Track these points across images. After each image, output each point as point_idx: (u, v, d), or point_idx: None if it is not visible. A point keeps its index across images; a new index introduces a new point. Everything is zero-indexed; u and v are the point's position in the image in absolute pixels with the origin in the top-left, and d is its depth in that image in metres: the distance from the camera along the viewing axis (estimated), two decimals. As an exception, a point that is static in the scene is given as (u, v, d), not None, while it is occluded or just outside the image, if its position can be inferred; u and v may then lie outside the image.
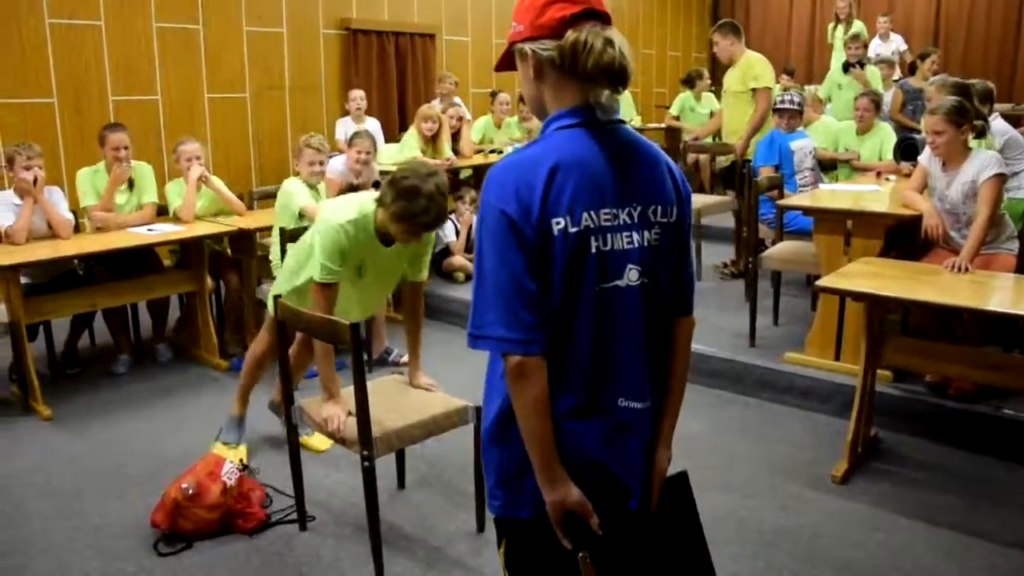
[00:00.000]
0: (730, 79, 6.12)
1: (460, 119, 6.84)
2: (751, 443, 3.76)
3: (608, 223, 1.48)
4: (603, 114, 1.52)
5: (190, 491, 2.92)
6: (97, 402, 4.22)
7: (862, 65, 6.98)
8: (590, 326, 1.49)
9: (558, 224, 1.43)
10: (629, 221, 1.50)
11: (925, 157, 4.05)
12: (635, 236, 1.50)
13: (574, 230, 1.44)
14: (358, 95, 6.92)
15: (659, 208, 1.53)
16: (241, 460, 3.25)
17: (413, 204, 2.75)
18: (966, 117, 3.75)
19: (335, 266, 2.93)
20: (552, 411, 1.49)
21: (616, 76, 1.46)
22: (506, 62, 1.61)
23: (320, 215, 3.04)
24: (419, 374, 3.13)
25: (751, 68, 5.96)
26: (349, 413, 2.79)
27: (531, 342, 1.44)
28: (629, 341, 1.52)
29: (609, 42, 1.45)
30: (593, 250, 1.46)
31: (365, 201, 2.96)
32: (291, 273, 3.31)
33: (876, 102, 5.99)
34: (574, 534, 1.54)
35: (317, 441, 3.60)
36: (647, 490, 1.62)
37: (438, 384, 3.12)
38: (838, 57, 8.91)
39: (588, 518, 1.53)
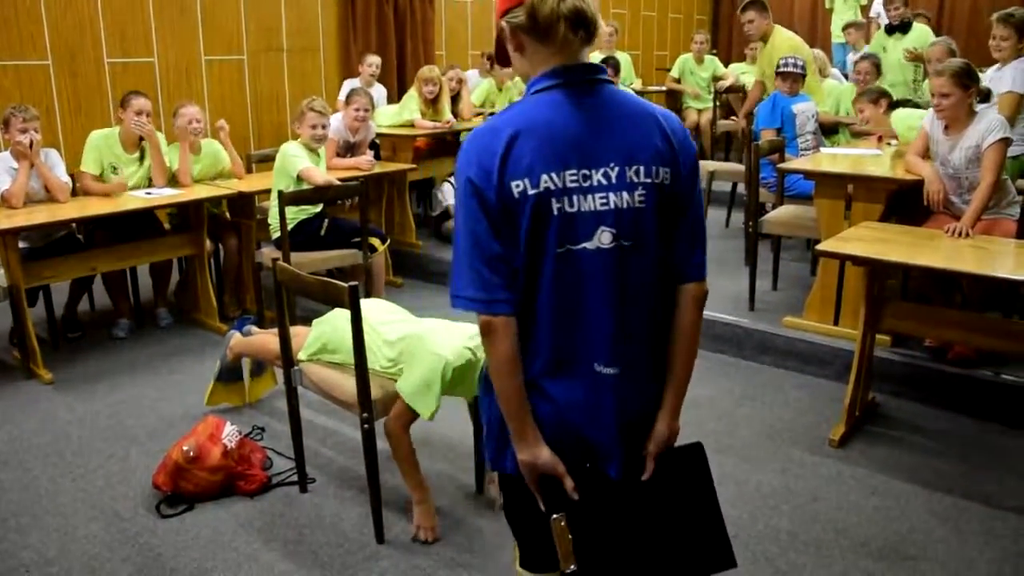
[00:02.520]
0: (762, 58, 6.10)
1: (459, 81, 6.78)
2: (750, 407, 3.77)
3: (575, 184, 1.47)
4: (581, 73, 1.51)
5: (191, 453, 2.94)
6: (98, 366, 4.23)
7: (907, 26, 6.81)
8: (555, 288, 1.49)
9: (518, 187, 1.45)
10: (605, 182, 1.49)
11: (927, 121, 4.01)
12: (612, 197, 1.49)
13: (533, 192, 1.45)
14: (375, 60, 6.75)
15: (641, 168, 1.50)
16: (256, 427, 3.28)
17: None
18: (973, 79, 3.71)
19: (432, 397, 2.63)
20: (527, 372, 1.52)
21: (575, 20, 1.46)
22: (501, 51, 1.62)
23: (427, 342, 2.69)
24: None
25: (775, 50, 5.86)
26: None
27: (496, 302, 1.47)
28: (599, 304, 1.51)
29: None
30: (555, 212, 1.47)
31: (479, 343, 2.69)
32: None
33: (877, 64, 5.92)
34: (550, 495, 1.55)
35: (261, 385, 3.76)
36: (630, 457, 1.60)
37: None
38: (837, 22, 8.84)
39: (561, 480, 1.55)
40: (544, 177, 1.45)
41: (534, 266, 1.49)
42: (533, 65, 1.54)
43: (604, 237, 1.49)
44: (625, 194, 1.49)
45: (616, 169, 1.49)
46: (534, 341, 1.52)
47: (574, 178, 1.47)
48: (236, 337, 3.56)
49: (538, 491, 1.56)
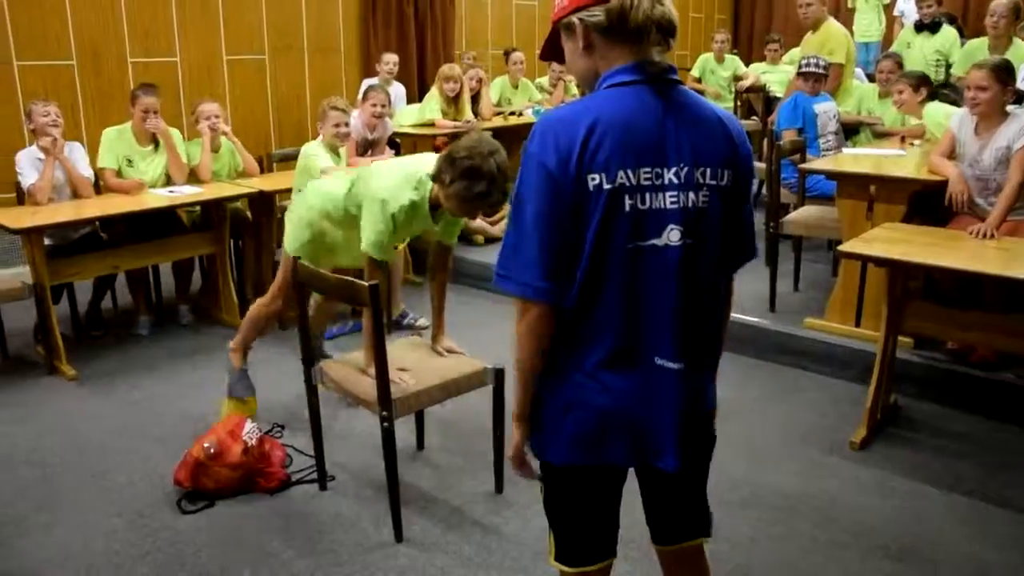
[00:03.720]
0: (809, 46, 6.02)
1: (479, 80, 6.78)
2: (770, 408, 3.75)
3: (648, 182, 1.48)
4: (657, 72, 1.52)
5: (212, 450, 2.96)
6: (120, 363, 4.27)
7: (937, 25, 6.76)
8: (621, 283, 1.50)
9: (593, 180, 1.45)
10: (676, 181, 1.49)
11: (955, 122, 3.96)
12: (680, 196, 1.50)
13: (608, 187, 1.45)
14: (392, 59, 6.76)
15: (707, 170, 1.52)
16: (276, 424, 3.31)
17: (474, 185, 2.60)
18: (1012, 77, 3.66)
19: (389, 242, 2.90)
20: (584, 364, 1.54)
21: (665, 29, 1.48)
22: (550, 48, 1.63)
23: (370, 186, 2.91)
24: (443, 337, 3.13)
25: (828, 41, 5.80)
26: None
27: (549, 291, 1.49)
28: (664, 300, 1.52)
29: None
30: (627, 208, 1.47)
31: (420, 177, 2.83)
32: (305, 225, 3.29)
33: (900, 63, 5.87)
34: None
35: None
36: (687, 449, 1.61)
37: (461, 348, 3.11)
38: (860, 22, 8.77)
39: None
40: (620, 173, 1.46)
41: (600, 260, 1.49)
42: (604, 63, 1.54)
43: (673, 235, 1.50)
44: (691, 194, 1.51)
45: (685, 169, 1.50)
46: (596, 334, 1.53)
47: (648, 176, 1.48)
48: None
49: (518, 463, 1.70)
